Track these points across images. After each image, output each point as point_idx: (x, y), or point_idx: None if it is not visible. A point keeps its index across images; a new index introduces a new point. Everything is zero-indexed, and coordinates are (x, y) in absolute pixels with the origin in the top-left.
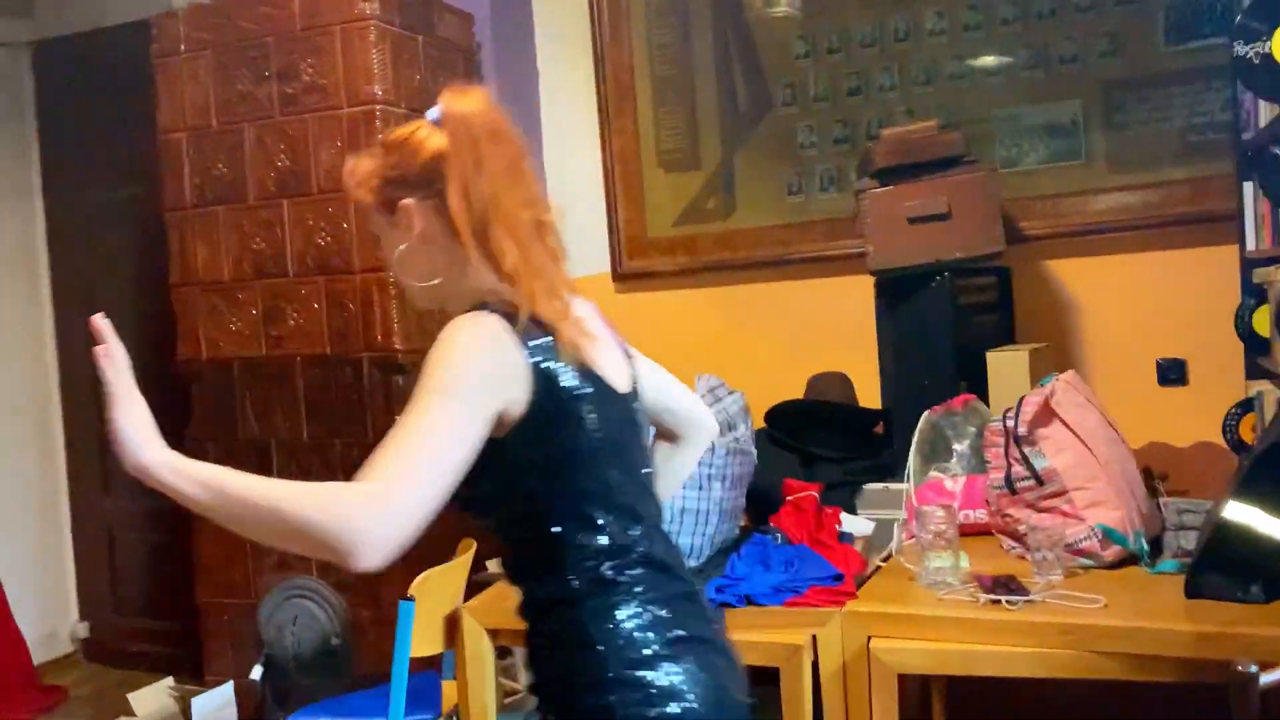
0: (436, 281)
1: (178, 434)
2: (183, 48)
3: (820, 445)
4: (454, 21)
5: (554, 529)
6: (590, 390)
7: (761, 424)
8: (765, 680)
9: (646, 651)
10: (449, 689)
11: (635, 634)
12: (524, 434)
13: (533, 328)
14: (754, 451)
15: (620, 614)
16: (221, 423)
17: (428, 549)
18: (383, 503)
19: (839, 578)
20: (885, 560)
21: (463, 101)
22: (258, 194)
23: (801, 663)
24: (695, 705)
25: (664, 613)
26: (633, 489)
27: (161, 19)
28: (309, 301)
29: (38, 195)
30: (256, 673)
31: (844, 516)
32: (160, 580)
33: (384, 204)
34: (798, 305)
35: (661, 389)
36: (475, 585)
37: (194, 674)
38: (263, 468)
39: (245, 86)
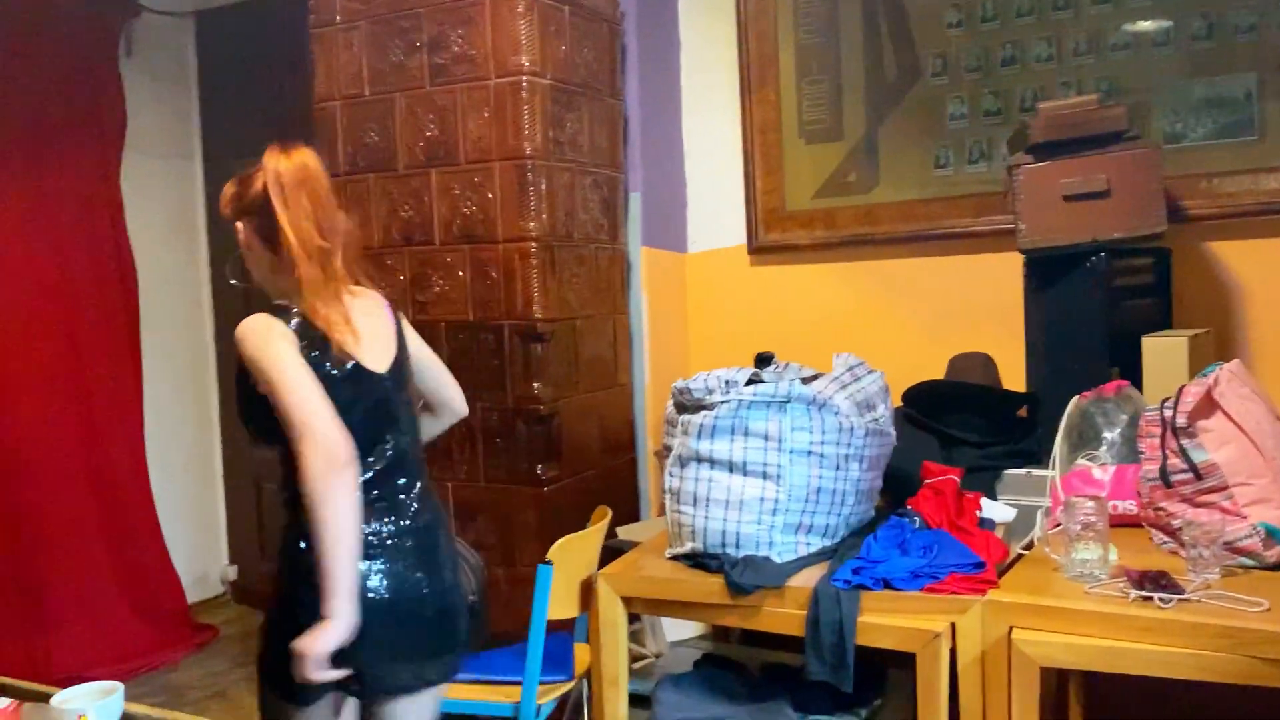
0: (260, 279)
1: None
2: (338, 18)
3: (960, 428)
4: None
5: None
6: (343, 374)
7: (899, 404)
8: (901, 663)
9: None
10: (581, 651)
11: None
12: None
13: (308, 329)
14: (892, 433)
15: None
16: None
17: (564, 516)
18: (315, 449)
19: (980, 565)
20: (1027, 548)
21: (279, 160)
22: (408, 163)
23: (939, 650)
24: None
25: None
26: (367, 436)
27: None
28: (455, 269)
29: (198, 159)
30: None
31: (984, 502)
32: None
33: (230, 222)
34: (941, 282)
35: (424, 374)
36: (609, 552)
37: None
38: None
39: (397, 57)
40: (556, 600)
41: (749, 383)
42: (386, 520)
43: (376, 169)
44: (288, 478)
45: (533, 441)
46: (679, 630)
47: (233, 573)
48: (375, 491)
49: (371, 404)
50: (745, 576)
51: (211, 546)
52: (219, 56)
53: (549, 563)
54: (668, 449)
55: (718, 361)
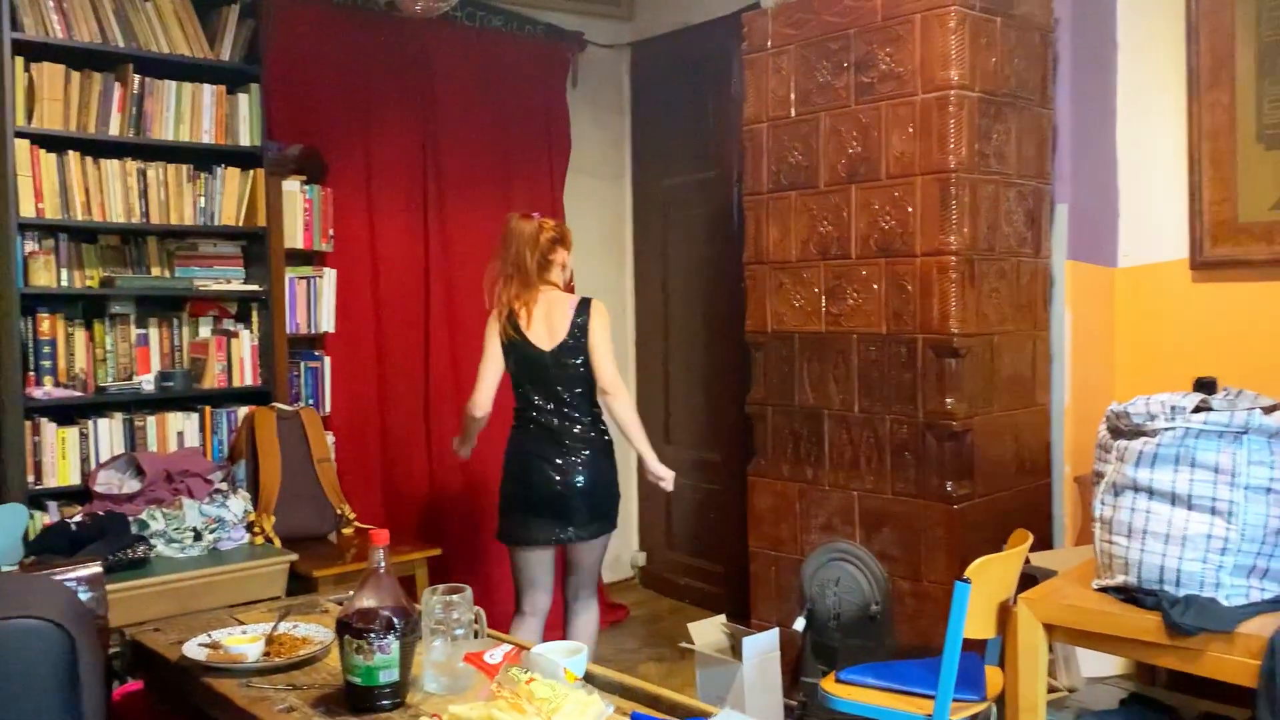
0: None
1: (740, 398)
2: (769, 43)
3: None
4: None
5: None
6: (514, 345)
7: None
8: None
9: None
10: (992, 674)
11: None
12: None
13: (508, 314)
14: None
15: (514, 432)
16: (780, 390)
17: (973, 535)
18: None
19: None
20: None
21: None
22: (828, 179)
23: None
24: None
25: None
26: (537, 394)
27: (753, 17)
28: (869, 282)
29: (629, 177)
30: (799, 624)
31: None
32: (710, 524)
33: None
34: None
35: (591, 355)
36: (1023, 578)
37: (735, 613)
38: (814, 434)
39: (824, 78)
40: (972, 619)
41: (1196, 410)
42: (540, 439)
43: (799, 186)
44: None
45: (944, 457)
46: (1096, 666)
47: (642, 558)
48: (532, 424)
49: (527, 367)
50: (1188, 617)
51: (624, 532)
52: (650, 84)
53: (967, 581)
54: (1098, 475)
55: (1149, 386)
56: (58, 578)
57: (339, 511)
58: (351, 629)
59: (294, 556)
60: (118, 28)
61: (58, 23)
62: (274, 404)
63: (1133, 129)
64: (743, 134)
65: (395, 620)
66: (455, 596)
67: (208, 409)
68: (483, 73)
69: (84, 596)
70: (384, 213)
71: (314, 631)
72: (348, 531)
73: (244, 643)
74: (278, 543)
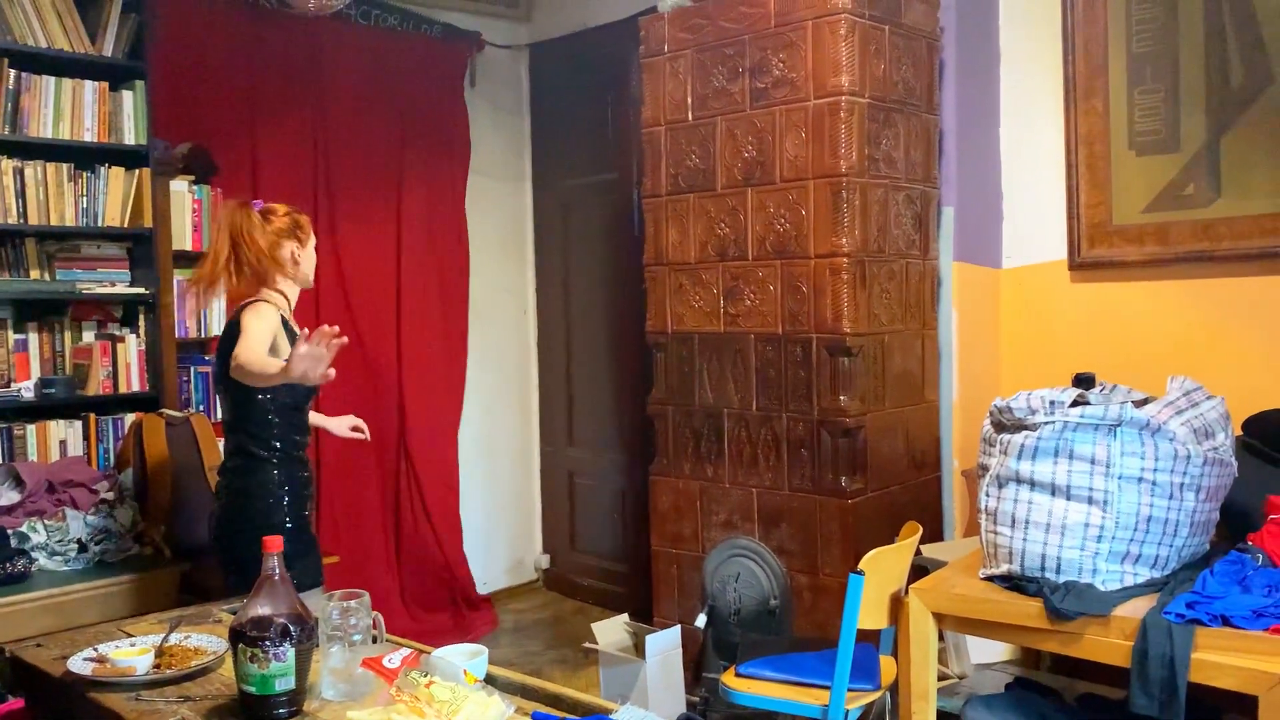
0: None
1: (642, 399)
2: (666, 47)
3: None
4: (920, 9)
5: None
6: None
7: (1240, 433)
8: (1241, 708)
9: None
10: (886, 664)
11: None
12: None
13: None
14: (1234, 463)
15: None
16: (680, 390)
17: (867, 529)
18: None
19: None
20: None
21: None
22: (726, 182)
23: None
24: None
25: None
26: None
27: (649, 21)
28: (766, 283)
29: (529, 179)
30: (701, 621)
31: None
32: (613, 524)
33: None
34: None
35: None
36: (914, 569)
37: (638, 613)
38: (713, 432)
39: (720, 82)
40: (866, 610)
41: (1074, 404)
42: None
43: (697, 189)
44: None
45: (838, 453)
46: (983, 653)
47: (545, 561)
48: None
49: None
50: (1067, 602)
51: (526, 535)
52: (549, 86)
53: (860, 573)
54: (984, 468)
55: (1032, 381)
56: None
57: None
58: (245, 637)
59: (185, 566)
60: None
61: None
62: (162, 410)
63: (1015, 134)
64: (642, 137)
65: (291, 627)
66: (353, 603)
67: (92, 416)
68: (377, 72)
69: None
70: None
71: (206, 642)
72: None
73: (132, 655)
74: (168, 553)
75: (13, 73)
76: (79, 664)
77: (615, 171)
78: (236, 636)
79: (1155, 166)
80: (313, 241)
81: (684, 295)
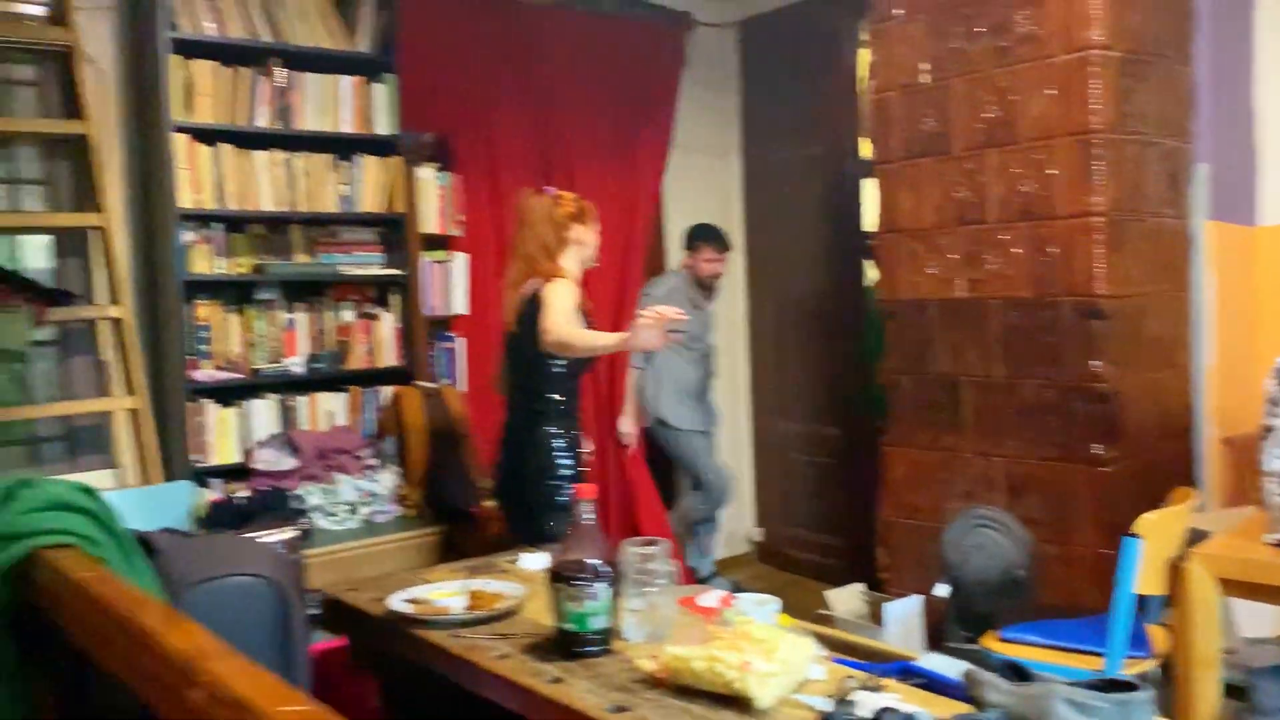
0: None
1: (857, 370)
2: (897, 12)
3: None
4: None
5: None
6: None
7: None
8: None
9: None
10: (1155, 633)
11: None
12: None
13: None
14: None
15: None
16: (915, 358)
17: (1120, 498)
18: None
19: None
20: None
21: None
22: (964, 145)
23: None
24: None
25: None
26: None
27: None
28: (1009, 247)
29: (737, 153)
30: (943, 590)
31: None
32: (828, 497)
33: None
34: None
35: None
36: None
37: (859, 584)
38: (951, 401)
39: (957, 43)
40: (1141, 576)
41: None
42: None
43: (932, 153)
44: None
45: (1090, 420)
46: (1252, 627)
47: (758, 534)
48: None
49: None
50: None
51: (740, 508)
52: (758, 61)
53: (1136, 535)
54: (1267, 429)
55: None
56: (263, 539)
57: (479, 486)
58: (564, 577)
59: (444, 526)
60: (264, 23)
61: (210, 21)
62: (417, 382)
63: (1272, 86)
64: (871, 103)
65: (603, 570)
66: (652, 549)
67: (355, 389)
68: (595, 56)
69: None
70: (507, 196)
71: (504, 588)
72: (489, 504)
73: (446, 596)
74: (428, 515)
75: (283, 71)
76: (399, 604)
77: (826, 143)
78: (556, 577)
79: None
80: (596, 225)
81: (918, 262)
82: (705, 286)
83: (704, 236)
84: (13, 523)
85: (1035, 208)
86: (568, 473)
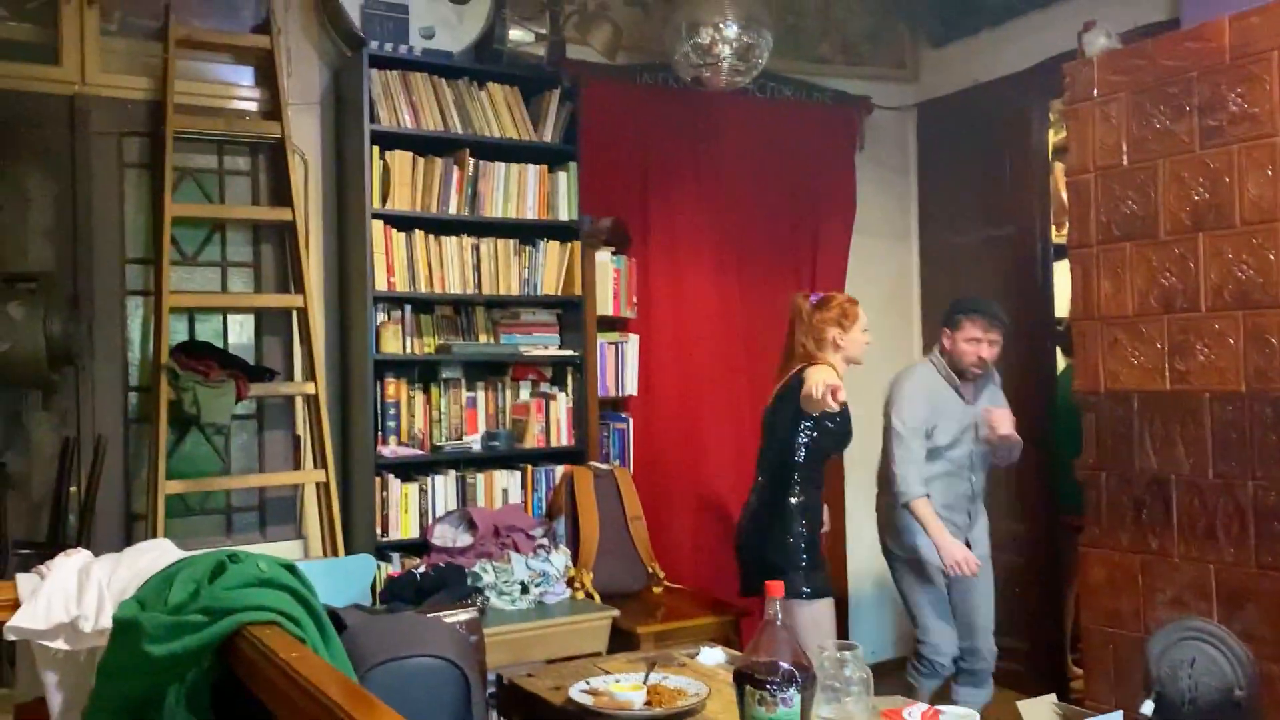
0: None
1: (1044, 465)
2: (1096, 92)
3: None
4: None
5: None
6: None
7: None
8: None
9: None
10: None
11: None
12: None
13: None
14: None
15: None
16: (1116, 454)
17: None
18: None
19: None
20: None
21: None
22: (1170, 228)
23: None
24: None
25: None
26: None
27: (1075, 67)
28: (1223, 336)
29: (914, 236)
30: (1148, 708)
31: None
32: (1013, 598)
33: None
34: None
35: None
36: None
37: (1043, 693)
38: (1161, 501)
39: (1162, 123)
40: None
41: None
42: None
43: (1134, 237)
44: None
45: None
46: None
47: None
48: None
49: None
50: None
51: None
52: (936, 143)
53: None
54: None
55: None
56: (445, 618)
57: (650, 569)
58: (753, 679)
59: (616, 612)
60: (457, 116)
61: (408, 115)
62: (590, 463)
63: None
64: (1066, 185)
65: (796, 673)
66: (847, 654)
67: (529, 467)
68: (771, 141)
69: None
70: (682, 279)
71: (685, 684)
72: (658, 590)
73: (627, 690)
74: (597, 598)
75: (473, 161)
76: (579, 694)
77: (1010, 225)
78: (743, 678)
79: None
80: (860, 325)
81: (1119, 351)
82: (966, 374)
83: (966, 310)
84: (222, 598)
85: (1253, 295)
86: (804, 539)
